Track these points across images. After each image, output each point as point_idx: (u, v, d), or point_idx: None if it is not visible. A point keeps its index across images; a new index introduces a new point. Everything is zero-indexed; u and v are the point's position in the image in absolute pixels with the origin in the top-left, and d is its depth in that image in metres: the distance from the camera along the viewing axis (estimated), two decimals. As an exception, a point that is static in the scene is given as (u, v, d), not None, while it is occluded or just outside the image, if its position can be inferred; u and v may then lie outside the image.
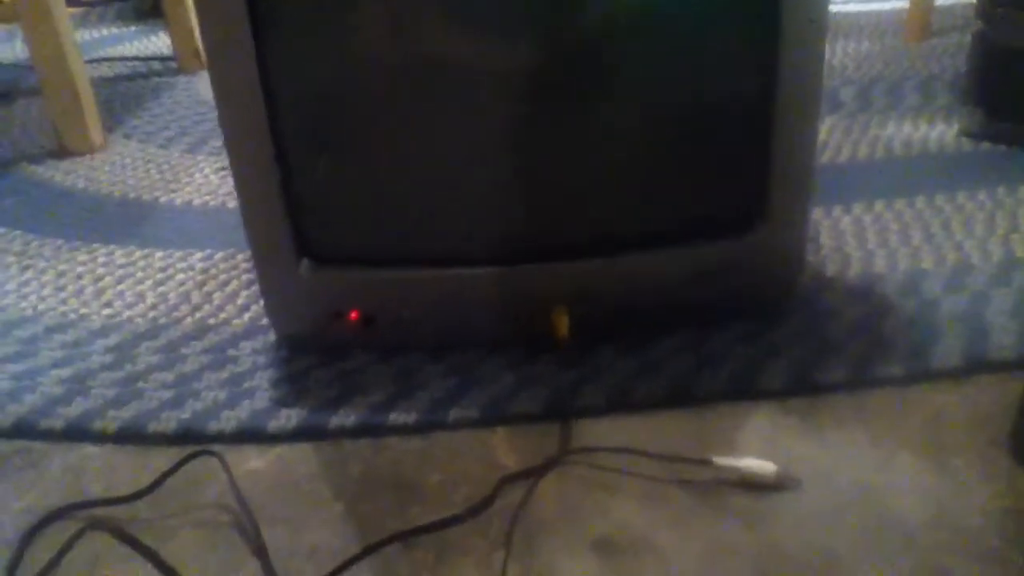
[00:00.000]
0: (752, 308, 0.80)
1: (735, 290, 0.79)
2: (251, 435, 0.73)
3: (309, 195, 0.75)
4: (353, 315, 0.79)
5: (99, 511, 0.65)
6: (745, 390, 0.73)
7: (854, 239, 0.92)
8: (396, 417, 0.73)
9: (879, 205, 0.98)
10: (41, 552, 0.61)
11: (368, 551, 0.59)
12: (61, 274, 1.01)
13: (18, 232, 1.12)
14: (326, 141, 0.74)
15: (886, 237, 0.92)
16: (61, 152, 1.34)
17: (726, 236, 0.77)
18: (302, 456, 0.71)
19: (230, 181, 1.20)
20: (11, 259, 1.05)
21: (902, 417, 0.69)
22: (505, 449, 0.70)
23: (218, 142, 1.35)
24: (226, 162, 1.23)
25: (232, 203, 1.15)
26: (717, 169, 0.76)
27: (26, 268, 1.03)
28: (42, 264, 1.04)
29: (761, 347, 0.77)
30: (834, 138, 1.16)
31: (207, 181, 1.23)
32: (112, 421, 0.75)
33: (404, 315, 0.79)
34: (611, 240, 0.77)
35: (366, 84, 0.72)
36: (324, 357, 0.81)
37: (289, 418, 0.74)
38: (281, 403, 0.76)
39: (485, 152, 0.73)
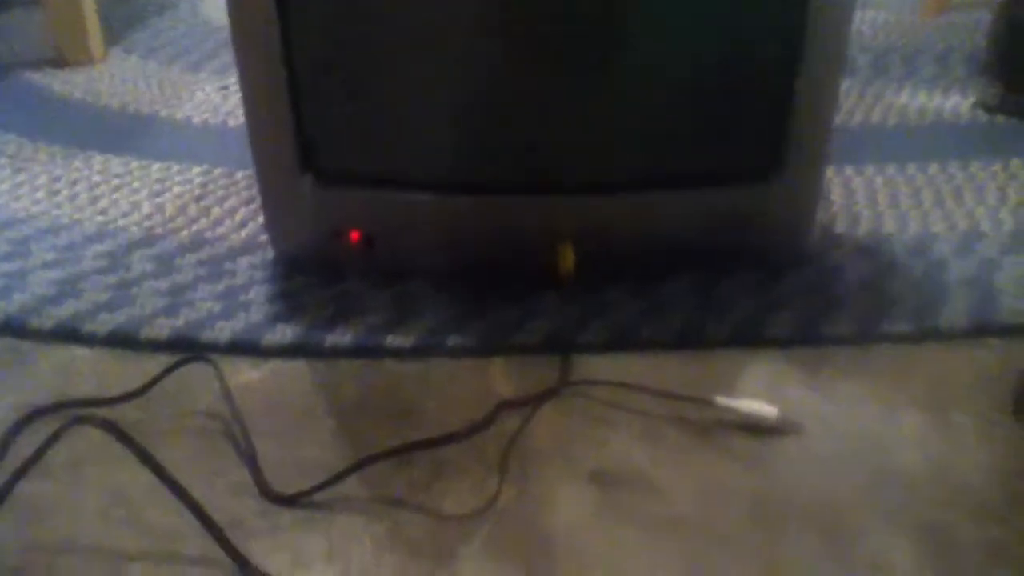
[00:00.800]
0: (761, 259, 0.79)
1: (745, 239, 0.77)
2: (245, 347, 0.71)
3: (316, 112, 0.73)
4: (353, 235, 0.77)
5: (87, 410, 0.63)
6: (750, 337, 0.72)
7: (865, 199, 0.91)
8: (393, 340, 0.72)
9: (891, 168, 0.97)
10: (26, 447, 0.60)
11: (361, 465, 0.58)
12: (55, 179, 0.99)
13: (12, 136, 1.09)
14: (334, 57, 0.71)
15: (897, 199, 0.91)
16: (59, 62, 1.31)
17: (740, 184, 0.76)
18: (296, 372, 0.70)
19: (231, 100, 1.18)
20: (4, 161, 1.03)
21: (907, 374, 0.68)
22: (503, 379, 0.69)
23: (219, 62, 1.32)
24: (228, 81, 1.21)
25: (232, 122, 1.13)
26: (737, 115, 0.74)
27: (19, 171, 1.00)
28: (36, 169, 1.01)
29: (768, 297, 0.76)
30: (848, 101, 1.14)
31: (207, 99, 1.20)
32: (103, 324, 0.73)
33: (405, 239, 0.77)
34: (623, 177, 0.75)
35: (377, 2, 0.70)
36: (321, 277, 0.79)
37: (284, 333, 0.72)
38: (277, 318, 0.74)
39: (497, 76, 0.71)
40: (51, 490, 0.56)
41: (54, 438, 0.55)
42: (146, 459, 0.53)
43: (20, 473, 0.53)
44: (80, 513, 0.55)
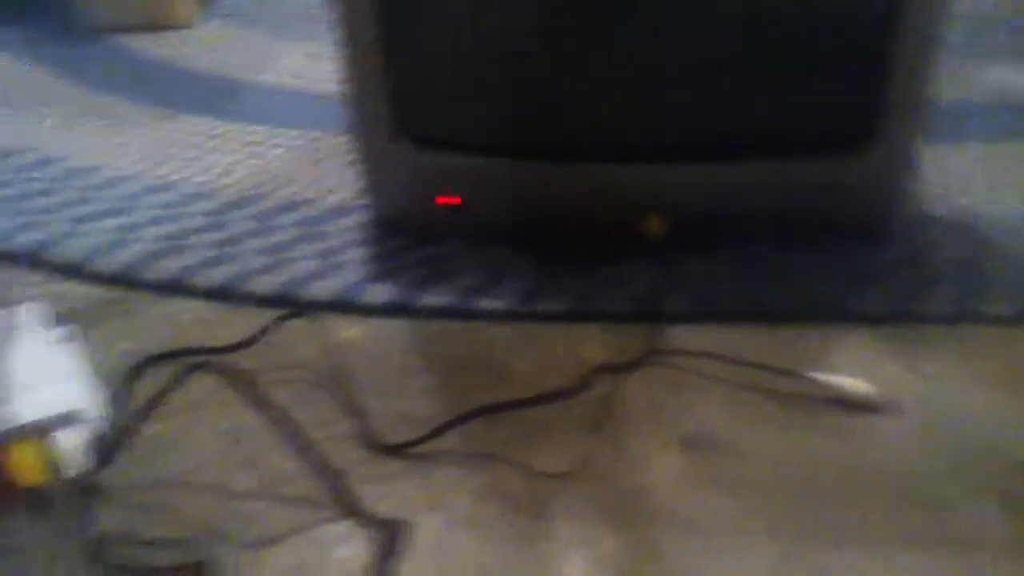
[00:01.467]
0: (852, 233, 0.79)
1: (836, 212, 0.77)
2: (344, 305, 0.74)
3: (413, 76, 0.75)
4: (447, 200, 0.79)
5: (200, 358, 0.67)
6: (840, 312, 0.72)
7: (960, 177, 0.90)
8: (486, 303, 0.74)
9: (986, 145, 0.95)
10: (145, 389, 0.63)
11: (461, 420, 0.60)
12: (154, 140, 1.02)
13: (111, 97, 1.13)
14: (431, 23, 0.73)
15: (994, 179, 0.89)
16: (152, 25, 1.34)
17: (832, 155, 0.76)
18: (392, 330, 0.72)
19: (320, 67, 1.21)
20: (103, 122, 1.07)
21: (1004, 356, 0.68)
22: (591, 344, 0.70)
23: (306, 28, 1.34)
24: (317, 48, 1.23)
25: (320, 88, 1.15)
26: (832, 84, 0.74)
27: (119, 131, 1.04)
28: (135, 129, 1.05)
29: (859, 272, 0.76)
30: (943, 76, 1.12)
31: (296, 65, 1.23)
32: (209, 279, 0.76)
33: (497, 204, 0.79)
34: (714, 146, 0.75)
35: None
36: (416, 240, 0.81)
37: (381, 293, 0.75)
38: (373, 278, 0.76)
39: (588, 43, 0.72)
40: (171, 431, 0.60)
41: (175, 382, 0.57)
42: (264, 404, 0.55)
43: (144, 414, 0.56)
44: (198, 453, 0.58)
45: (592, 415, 0.63)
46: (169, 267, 0.78)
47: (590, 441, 0.60)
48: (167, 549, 0.51)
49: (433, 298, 0.74)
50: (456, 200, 0.79)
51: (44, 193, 0.91)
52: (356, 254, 0.80)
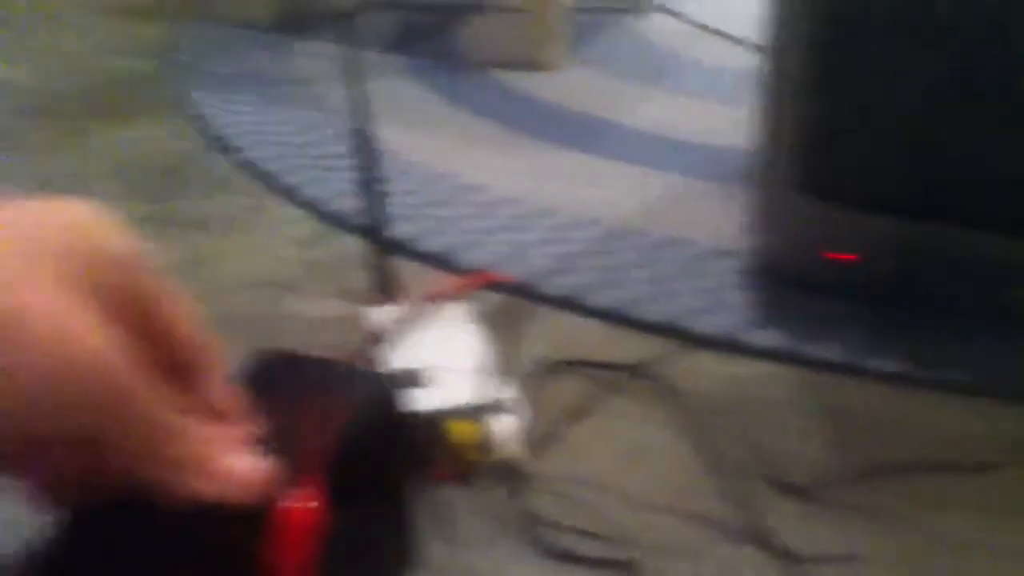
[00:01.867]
0: None
1: None
2: (731, 344, 0.76)
3: (828, 131, 0.75)
4: (840, 256, 0.79)
5: (604, 372, 0.71)
6: None
7: None
8: (875, 362, 0.73)
9: None
10: (557, 393, 0.68)
11: (870, 473, 0.60)
12: (533, 166, 1.10)
13: (492, 124, 1.23)
14: (853, 93, 0.74)
15: None
16: (526, 64, 1.45)
17: None
18: (779, 375, 0.73)
19: (687, 115, 1.25)
20: (488, 147, 1.16)
21: None
22: (992, 418, 0.67)
23: (670, 81, 1.39)
24: (674, 99, 1.27)
25: (680, 136, 1.19)
26: None
27: (502, 157, 1.14)
28: (516, 155, 1.14)
29: None
30: None
31: (662, 112, 1.28)
32: (599, 299, 0.81)
33: (890, 264, 0.77)
34: None
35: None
36: (797, 290, 0.82)
37: (769, 337, 0.76)
38: (759, 322, 0.78)
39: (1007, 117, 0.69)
40: (581, 435, 0.64)
41: (587, 391, 0.62)
42: (667, 424, 0.58)
43: (559, 416, 0.61)
44: (606, 460, 0.62)
45: (1002, 493, 0.60)
46: (563, 284, 0.83)
47: (997, 519, 0.58)
48: (591, 541, 0.54)
49: (820, 349, 0.74)
50: (851, 256, 0.78)
51: (441, 204, 1.01)
52: (739, 296, 0.82)
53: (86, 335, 0.26)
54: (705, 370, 0.72)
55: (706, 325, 0.77)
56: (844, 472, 0.60)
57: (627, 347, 0.75)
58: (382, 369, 0.51)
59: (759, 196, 0.81)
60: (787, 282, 0.83)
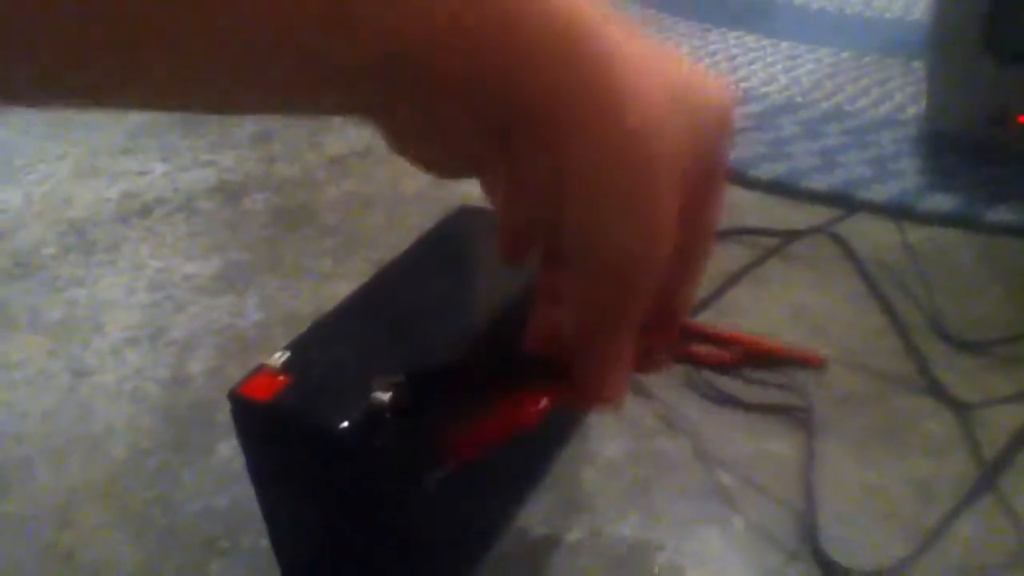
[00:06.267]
0: None
1: None
2: (902, 210, 0.74)
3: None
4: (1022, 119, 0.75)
5: (769, 239, 0.72)
6: None
7: None
8: (1058, 226, 0.70)
9: None
10: (721, 260, 0.70)
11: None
12: (695, 48, 1.09)
13: (651, 10, 1.22)
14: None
15: None
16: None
17: None
18: (953, 240, 0.71)
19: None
20: (651, 28, 1.16)
21: None
22: None
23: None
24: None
25: (849, 10, 1.15)
26: None
27: (664, 40, 1.13)
28: (677, 39, 1.13)
29: None
30: None
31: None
32: (766, 172, 0.81)
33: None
34: None
35: None
36: (975, 157, 0.79)
37: (941, 202, 0.74)
38: (931, 188, 0.76)
39: None
40: (745, 297, 0.65)
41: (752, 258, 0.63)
42: (829, 285, 0.58)
43: (731, 280, 0.63)
44: (769, 319, 0.64)
45: None
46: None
47: None
48: (760, 389, 0.56)
49: (999, 214, 0.72)
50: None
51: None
52: (909, 164, 0.80)
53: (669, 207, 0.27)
54: (875, 236, 0.71)
55: (876, 193, 0.76)
56: (1019, 328, 0.59)
57: (794, 217, 0.75)
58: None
59: (938, 62, 0.78)
60: (961, 149, 0.80)
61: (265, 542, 0.44)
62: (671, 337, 0.34)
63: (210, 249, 0.76)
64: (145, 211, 0.83)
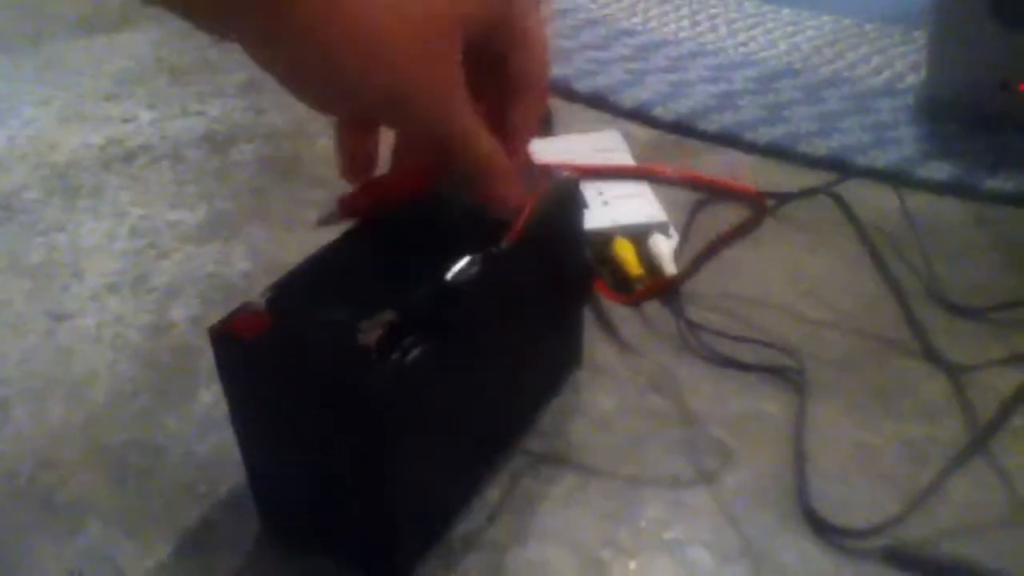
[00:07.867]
0: None
1: None
2: (900, 177, 0.73)
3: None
4: (1024, 87, 0.74)
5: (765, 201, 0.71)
6: None
7: None
8: (1057, 196, 0.69)
9: None
10: (707, 218, 0.69)
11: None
12: (695, 11, 1.08)
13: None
14: None
15: None
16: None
17: None
18: (951, 208, 0.71)
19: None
20: (646, -6, 1.14)
21: None
22: None
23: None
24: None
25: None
26: None
27: (664, 1, 1.11)
28: (677, 1, 1.11)
29: None
30: None
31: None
32: (762, 135, 0.80)
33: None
34: None
35: None
36: (974, 125, 0.78)
37: (940, 170, 0.73)
38: (929, 155, 0.75)
39: None
40: (740, 257, 0.64)
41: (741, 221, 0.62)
42: (825, 247, 0.58)
43: (722, 240, 0.62)
44: (765, 280, 0.63)
45: None
46: (723, 120, 0.82)
47: None
48: (751, 349, 0.56)
49: (999, 183, 0.71)
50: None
51: (599, 48, 1.00)
52: (908, 132, 0.79)
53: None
54: (873, 201, 0.70)
55: (874, 158, 0.75)
56: (1015, 295, 0.59)
57: (791, 181, 0.74)
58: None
59: (941, 26, 0.77)
60: (962, 117, 0.79)
61: (244, 489, 0.43)
62: (531, 108, 0.42)
63: (196, 197, 0.75)
64: (130, 158, 0.81)
